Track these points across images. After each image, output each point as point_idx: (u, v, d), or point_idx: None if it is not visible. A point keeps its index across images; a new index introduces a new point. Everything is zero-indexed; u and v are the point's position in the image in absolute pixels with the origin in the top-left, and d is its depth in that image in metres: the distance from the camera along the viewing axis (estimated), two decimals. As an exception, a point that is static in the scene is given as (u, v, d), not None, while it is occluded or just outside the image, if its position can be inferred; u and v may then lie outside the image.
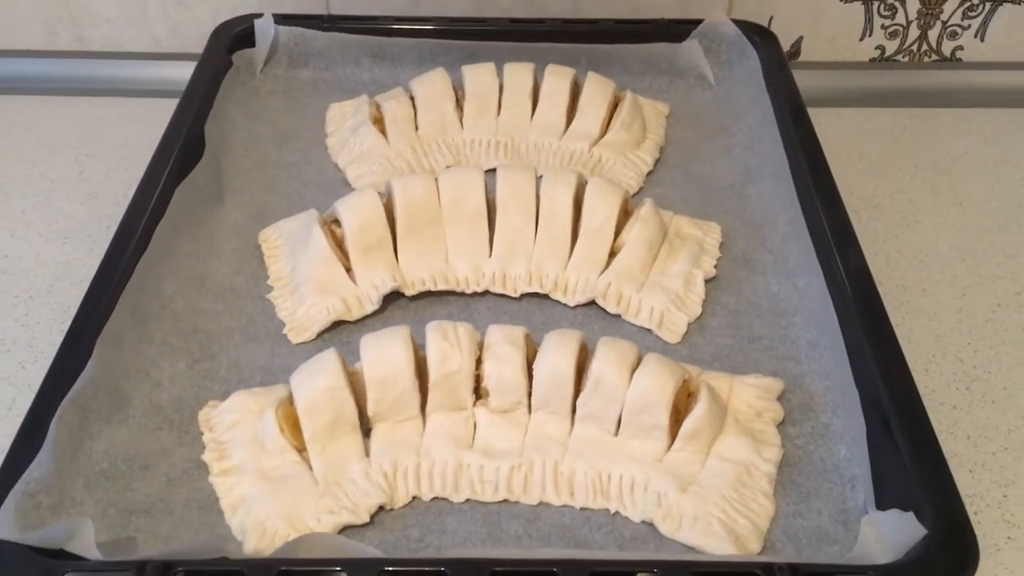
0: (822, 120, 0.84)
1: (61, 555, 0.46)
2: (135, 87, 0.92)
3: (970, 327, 0.69)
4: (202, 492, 0.53)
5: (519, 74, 0.79)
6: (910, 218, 0.78)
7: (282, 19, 0.85)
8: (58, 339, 0.58)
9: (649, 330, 0.63)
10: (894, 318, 0.65)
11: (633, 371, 0.55)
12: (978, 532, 0.54)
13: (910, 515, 0.46)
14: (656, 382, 0.54)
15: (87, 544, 0.46)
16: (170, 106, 0.76)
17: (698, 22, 0.84)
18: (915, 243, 0.76)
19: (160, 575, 0.44)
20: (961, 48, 0.92)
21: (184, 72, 0.80)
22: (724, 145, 0.79)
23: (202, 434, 0.56)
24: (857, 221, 0.75)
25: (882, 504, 0.50)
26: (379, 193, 0.66)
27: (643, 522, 0.52)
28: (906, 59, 0.93)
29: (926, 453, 0.50)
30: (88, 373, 0.54)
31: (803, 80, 0.81)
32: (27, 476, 0.49)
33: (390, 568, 0.45)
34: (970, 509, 0.55)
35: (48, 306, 0.70)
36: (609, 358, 0.55)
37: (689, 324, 0.64)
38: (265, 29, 0.84)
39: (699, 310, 0.64)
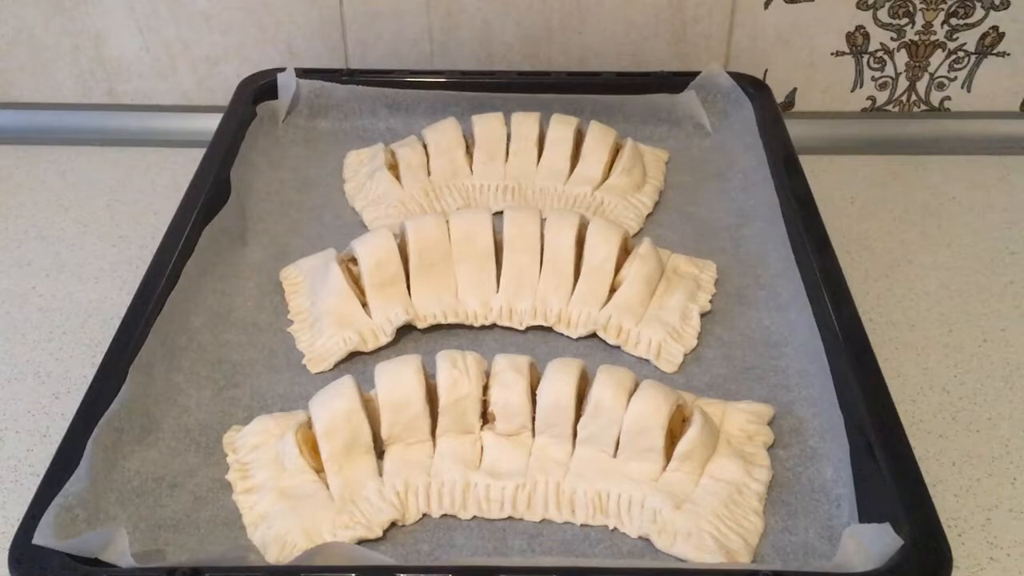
0: (816, 167, 0.88)
1: (96, 563, 0.50)
2: (164, 138, 0.96)
3: (956, 361, 0.71)
4: (226, 509, 0.57)
5: (526, 123, 0.83)
6: (900, 259, 0.81)
7: (303, 73, 0.89)
8: (89, 372, 0.62)
9: (647, 360, 0.66)
10: (884, 352, 0.69)
11: (630, 396, 0.58)
12: (962, 553, 0.57)
13: (887, 526, 0.49)
14: (652, 405, 0.57)
15: (121, 552, 0.49)
16: (197, 155, 0.81)
17: (695, 74, 0.89)
18: (905, 282, 0.79)
19: (188, 580, 0.48)
20: (948, 98, 0.96)
21: (210, 123, 0.85)
22: (720, 189, 0.83)
23: (226, 456, 0.59)
24: (849, 261, 0.79)
25: (864, 519, 0.53)
26: (394, 233, 0.70)
27: (640, 538, 0.55)
28: (896, 109, 0.97)
29: (904, 471, 0.53)
30: (121, 398, 0.58)
31: (798, 129, 0.86)
32: (65, 490, 0.52)
33: (401, 574, 0.48)
34: (955, 531, 0.59)
35: (80, 342, 0.74)
36: (608, 383, 0.58)
37: (685, 355, 0.67)
38: (287, 82, 0.89)
39: (695, 342, 0.68)
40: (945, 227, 0.85)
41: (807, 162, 0.80)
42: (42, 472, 0.55)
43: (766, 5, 0.91)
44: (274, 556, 0.53)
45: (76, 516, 0.52)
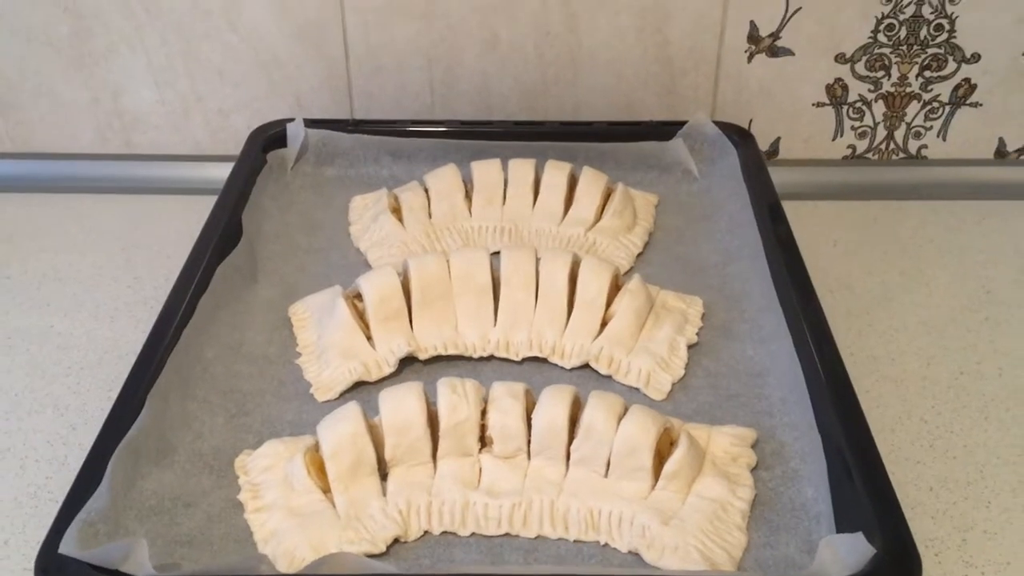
0: (800, 211, 0.92)
1: (117, 574, 0.53)
2: (178, 186, 1.00)
3: (934, 392, 0.74)
4: (238, 527, 0.60)
5: (522, 168, 0.87)
6: (881, 297, 0.84)
7: (311, 123, 0.94)
8: (106, 405, 0.65)
9: (637, 389, 0.70)
10: (865, 384, 0.73)
11: (620, 419, 0.61)
12: (939, 572, 0.60)
13: (859, 535, 0.52)
14: (640, 428, 0.60)
15: (141, 563, 0.52)
16: (209, 203, 0.84)
17: (683, 123, 0.93)
18: (885, 319, 0.82)
19: (204, 587, 0.51)
20: (925, 147, 1.00)
21: (222, 172, 0.89)
22: (707, 231, 0.86)
23: (238, 478, 0.63)
24: (832, 299, 0.83)
25: (841, 531, 0.56)
26: (397, 271, 0.74)
27: (630, 552, 0.58)
28: (875, 157, 1.01)
29: (877, 486, 0.56)
30: (139, 423, 0.62)
31: (782, 176, 0.90)
32: (88, 507, 0.55)
33: (404, 582, 0.51)
34: (932, 551, 0.61)
35: (97, 376, 0.77)
36: (599, 407, 0.62)
37: (673, 384, 0.70)
38: (296, 132, 0.93)
39: (682, 372, 0.71)
40: (924, 268, 0.88)
41: (791, 207, 0.84)
42: (61, 498, 0.57)
43: (749, 59, 0.96)
44: (283, 569, 0.56)
45: (98, 530, 0.55)
